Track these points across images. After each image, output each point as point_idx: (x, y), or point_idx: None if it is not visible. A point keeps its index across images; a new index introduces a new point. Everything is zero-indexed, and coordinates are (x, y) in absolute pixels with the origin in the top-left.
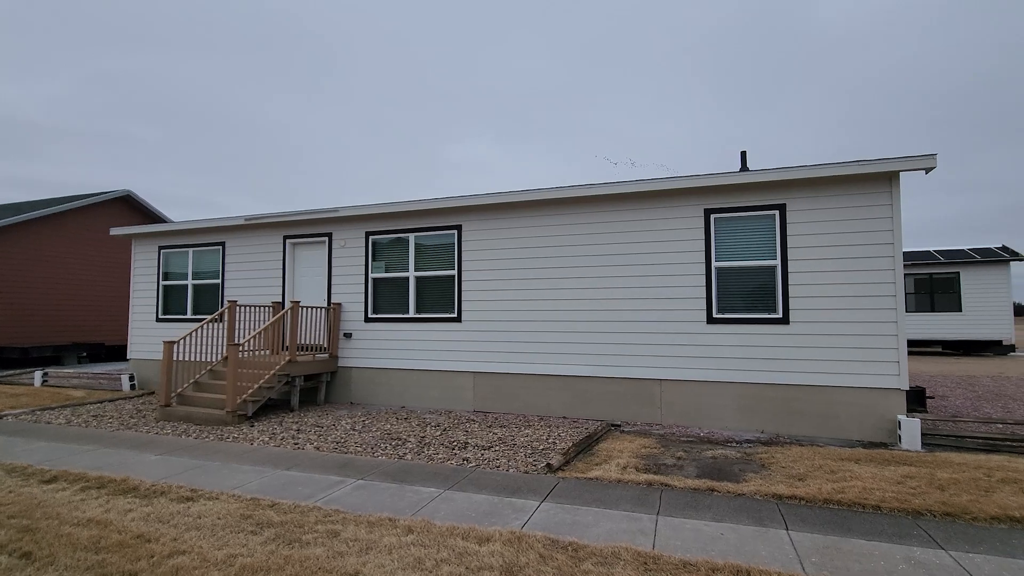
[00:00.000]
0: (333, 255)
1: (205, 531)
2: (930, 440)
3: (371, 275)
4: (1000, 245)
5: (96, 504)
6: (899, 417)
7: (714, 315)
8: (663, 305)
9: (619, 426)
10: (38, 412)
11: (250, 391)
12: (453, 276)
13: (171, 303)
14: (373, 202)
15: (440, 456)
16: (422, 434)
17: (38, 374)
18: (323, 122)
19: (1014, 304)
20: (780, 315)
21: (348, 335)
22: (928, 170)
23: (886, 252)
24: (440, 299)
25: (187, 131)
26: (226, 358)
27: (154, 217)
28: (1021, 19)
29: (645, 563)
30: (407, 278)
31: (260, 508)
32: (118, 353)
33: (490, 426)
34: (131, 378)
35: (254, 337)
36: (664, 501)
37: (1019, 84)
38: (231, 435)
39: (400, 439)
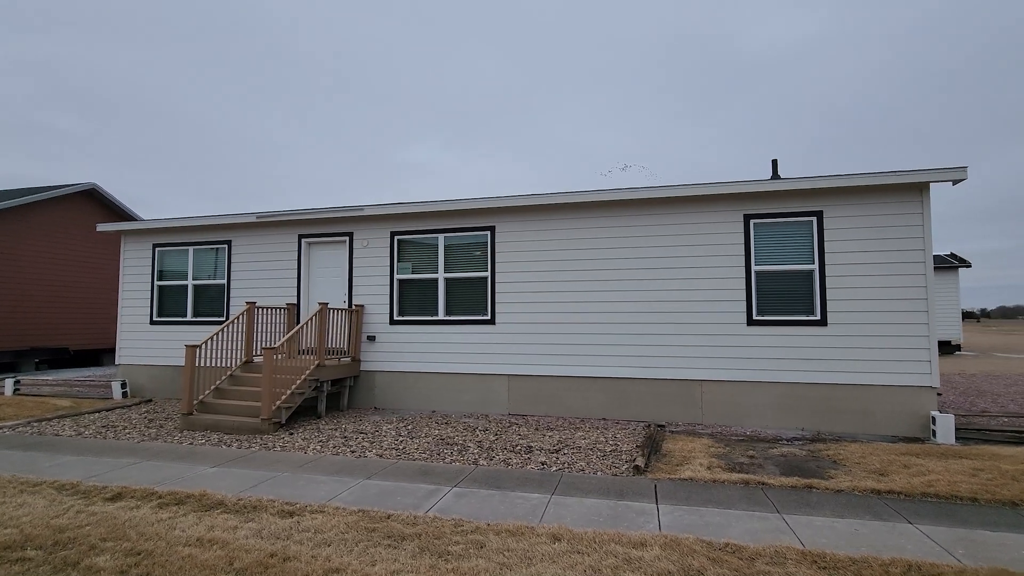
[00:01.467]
0: (355, 255)
1: (339, 546)
2: (960, 435)
3: (397, 276)
4: (949, 252)
5: (190, 521)
6: (932, 413)
7: (754, 317)
8: (704, 307)
9: (663, 426)
10: (35, 424)
11: (283, 397)
12: (486, 277)
13: (167, 305)
14: (399, 200)
15: (514, 461)
16: (476, 439)
17: (9, 382)
18: (267, 121)
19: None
20: (818, 317)
21: (371, 338)
22: (956, 182)
23: (918, 258)
24: (472, 301)
25: (116, 125)
26: (247, 362)
27: (121, 213)
28: (916, 54)
29: (815, 561)
30: (436, 279)
31: (377, 520)
32: (86, 358)
33: (538, 429)
34: (123, 385)
35: (288, 340)
36: (773, 499)
37: (911, 111)
38: (275, 444)
39: (458, 444)
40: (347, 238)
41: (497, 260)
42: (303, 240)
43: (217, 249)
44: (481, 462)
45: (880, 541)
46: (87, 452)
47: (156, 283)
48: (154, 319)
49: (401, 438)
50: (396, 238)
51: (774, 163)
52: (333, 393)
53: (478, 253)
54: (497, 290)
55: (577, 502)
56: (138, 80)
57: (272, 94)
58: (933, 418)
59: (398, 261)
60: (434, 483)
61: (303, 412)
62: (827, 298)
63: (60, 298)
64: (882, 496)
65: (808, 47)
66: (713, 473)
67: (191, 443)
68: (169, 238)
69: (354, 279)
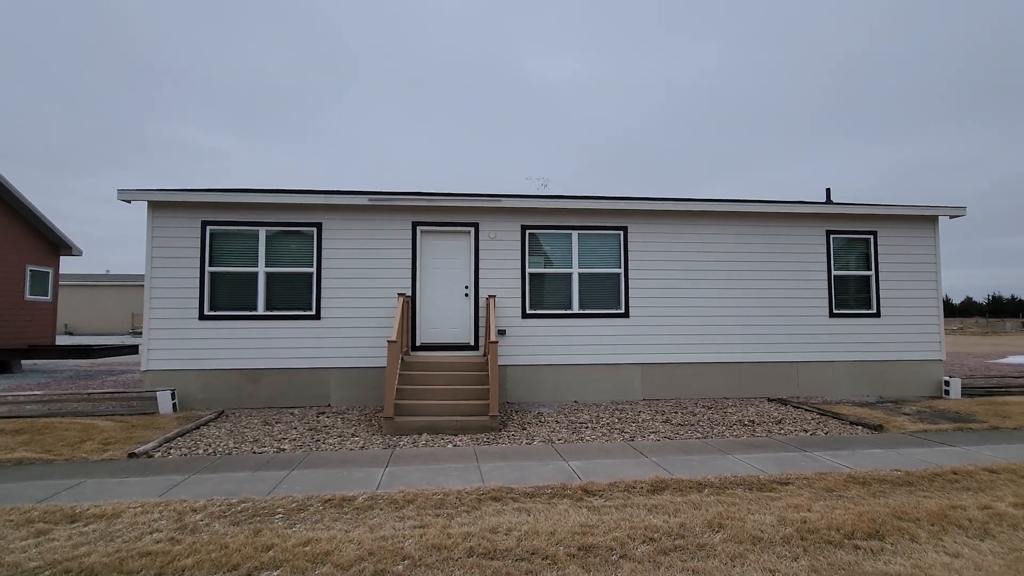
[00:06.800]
0: (481, 247)
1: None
2: (964, 392)
3: (529, 270)
4: None
5: (777, 505)
6: (944, 378)
7: (833, 311)
8: (800, 303)
9: (785, 401)
10: (164, 444)
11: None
12: (619, 274)
13: (225, 296)
14: (533, 194)
15: (774, 431)
16: (686, 420)
17: None
18: None
19: None
20: (875, 311)
21: (501, 332)
22: (952, 216)
23: (932, 269)
24: (606, 295)
25: None
26: (403, 358)
27: None
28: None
29: None
30: (570, 274)
31: (866, 479)
32: None
33: (706, 408)
34: (172, 395)
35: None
36: (1000, 437)
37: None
38: (548, 438)
39: (686, 424)
40: (472, 228)
41: (630, 258)
42: (418, 228)
43: (302, 232)
44: (760, 434)
45: None
46: (359, 464)
47: (208, 269)
48: (206, 313)
49: (623, 424)
50: (527, 232)
51: (827, 192)
52: None
53: (611, 251)
54: (631, 286)
55: (912, 452)
56: None
57: None
58: (946, 381)
59: (529, 255)
60: (790, 450)
61: None
62: (880, 297)
63: None
64: None
65: (583, 84)
66: (928, 425)
67: (455, 446)
68: (229, 215)
69: (480, 271)
